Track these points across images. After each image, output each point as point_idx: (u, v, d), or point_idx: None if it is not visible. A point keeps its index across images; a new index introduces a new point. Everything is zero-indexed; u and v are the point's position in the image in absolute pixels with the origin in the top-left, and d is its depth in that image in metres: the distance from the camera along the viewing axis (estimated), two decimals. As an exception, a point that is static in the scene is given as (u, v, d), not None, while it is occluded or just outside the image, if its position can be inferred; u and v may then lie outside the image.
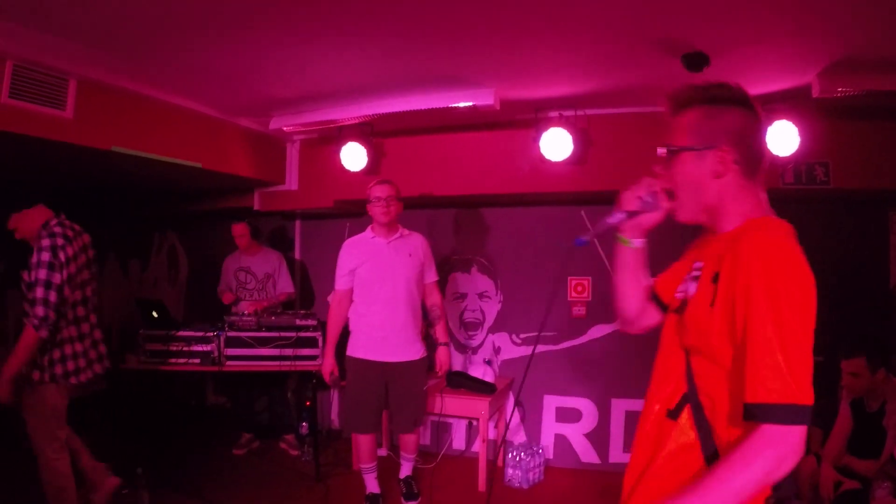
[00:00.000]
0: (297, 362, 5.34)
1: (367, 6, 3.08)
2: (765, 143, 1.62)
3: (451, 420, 6.08)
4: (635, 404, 5.52)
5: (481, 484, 5.17)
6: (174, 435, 6.32)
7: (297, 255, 6.96)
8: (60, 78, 3.79)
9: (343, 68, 4.05)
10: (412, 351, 4.66)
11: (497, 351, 6.09)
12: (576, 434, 5.79)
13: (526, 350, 5.98)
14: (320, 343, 5.35)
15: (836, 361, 3.94)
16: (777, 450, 1.32)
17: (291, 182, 6.12)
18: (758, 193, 1.60)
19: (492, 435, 5.68)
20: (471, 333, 6.20)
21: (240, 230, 6.05)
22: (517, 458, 5.30)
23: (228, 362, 5.35)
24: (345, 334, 4.78)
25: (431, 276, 4.88)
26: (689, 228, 1.74)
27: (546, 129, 4.73)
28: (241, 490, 5.06)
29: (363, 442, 4.71)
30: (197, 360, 5.33)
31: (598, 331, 5.73)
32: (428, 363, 4.84)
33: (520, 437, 5.92)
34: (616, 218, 1.75)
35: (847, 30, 3.23)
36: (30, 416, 3.78)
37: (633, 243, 1.84)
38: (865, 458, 3.81)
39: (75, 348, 3.88)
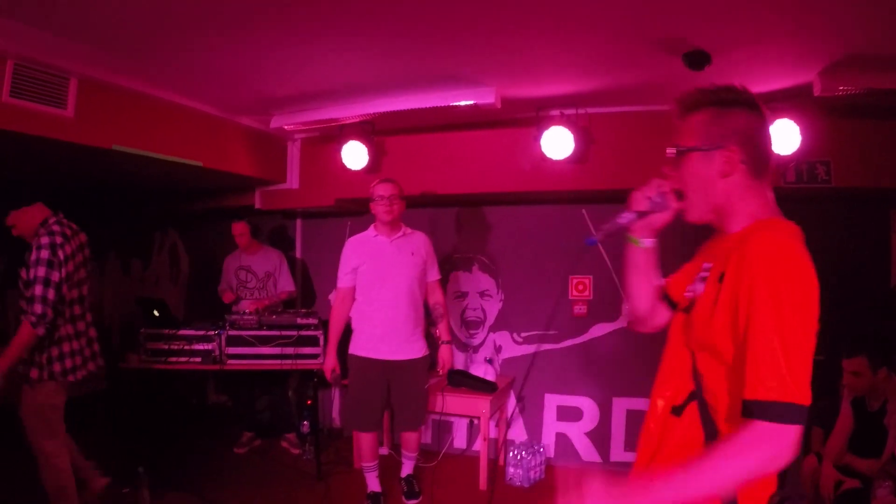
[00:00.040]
0: (299, 361, 5.34)
1: (367, 5, 3.08)
2: (771, 144, 1.64)
3: (452, 419, 6.09)
4: (636, 403, 5.53)
5: (482, 483, 5.18)
6: (175, 434, 6.32)
7: (297, 254, 6.97)
8: (61, 77, 3.79)
9: (344, 67, 4.05)
10: (414, 349, 4.66)
11: (498, 350, 6.09)
12: (577, 433, 5.79)
13: (527, 349, 5.98)
14: (321, 342, 5.35)
15: (838, 360, 3.95)
16: (771, 446, 1.33)
17: (292, 181, 6.12)
18: (765, 193, 1.62)
19: (493, 434, 5.69)
20: (472, 332, 6.20)
21: (239, 229, 6.05)
22: (518, 457, 5.30)
23: (229, 361, 5.36)
24: (347, 332, 4.78)
25: (434, 275, 4.88)
26: (701, 230, 1.76)
27: (547, 127, 4.72)
28: (242, 489, 5.06)
29: (365, 440, 4.72)
30: (198, 359, 5.34)
31: (600, 329, 5.72)
32: (430, 361, 4.84)
33: (521, 436, 5.92)
34: (626, 218, 1.77)
35: (848, 28, 3.22)
36: (29, 415, 3.79)
37: (643, 243, 1.85)
38: (866, 457, 3.81)
39: (72, 346, 3.91)
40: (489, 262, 6.15)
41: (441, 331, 4.86)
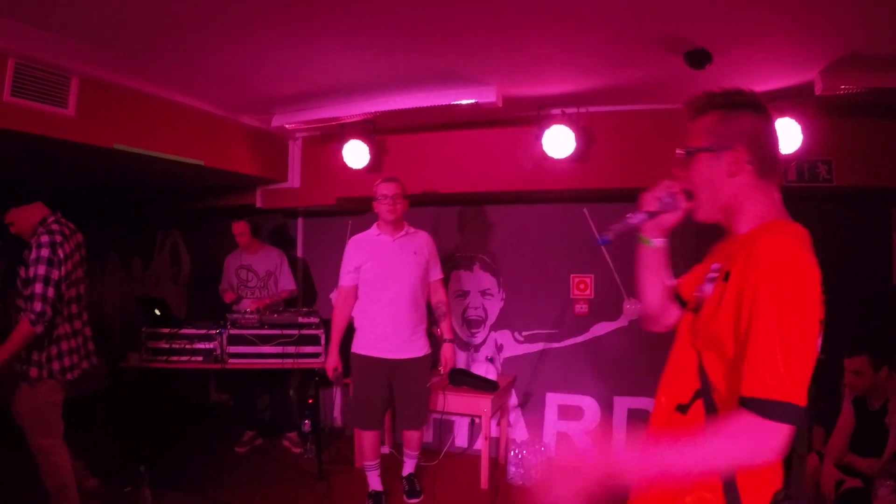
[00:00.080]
0: (300, 360, 5.33)
1: (369, 4, 3.08)
2: (778, 146, 1.69)
3: (453, 418, 6.09)
4: (638, 402, 5.53)
5: (483, 482, 5.17)
6: (176, 433, 6.33)
7: (299, 253, 6.97)
8: (62, 76, 3.79)
9: (345, 66, 4.05)
10: (416, 348, 4.67)
11: (499, 349, 6.09)
12: (578, 432, 5.78)
13: (528, 347, 5.98)
14: (322, 341, 5.35)
15: (839, 359, 3.95)
16: (757, 439, 1.35)
17: (294, 179, 6.12)
18: (772, 194, 1.67)
19: (494, 433, 5.69)
20: (473, 331, 6.20)
21: (239, 228, 6.04)
22: (519, 456, 5.29)
23: (231, 360, 5.35)
24: (349, 331, 4.78)
25: (437, 274, 4.88)
26: (715, 232, 1.78)
27: (548, 126, 4.72)
28: (243, 488, 5.06)
29: (367, 439, 4.72)
30: (199, 358, 5.34)
31: (601, 328, 5.72)
32: (432, 360, 4.84)
33: (522, 435, 5.92)
34: (637, 218, 1.81)
35: (849, 28, 3.22)
36: (28, 414, 3.79)
37: (653, 243, 1.90)
38: (868, 456, 3.80)
39: (70, 344, 3.92)
40: (490, 260, 6.15)
41: (444, 329, 4.85)
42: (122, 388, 6.53)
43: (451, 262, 6.17)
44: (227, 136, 5.26)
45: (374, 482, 4.77)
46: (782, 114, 4.14)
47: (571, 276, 5.78)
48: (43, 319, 3.64)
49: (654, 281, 1.95)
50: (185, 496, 4.81)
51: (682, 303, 1.91)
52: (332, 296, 6.41)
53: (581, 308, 5.77)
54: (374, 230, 4.70)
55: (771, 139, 1.67)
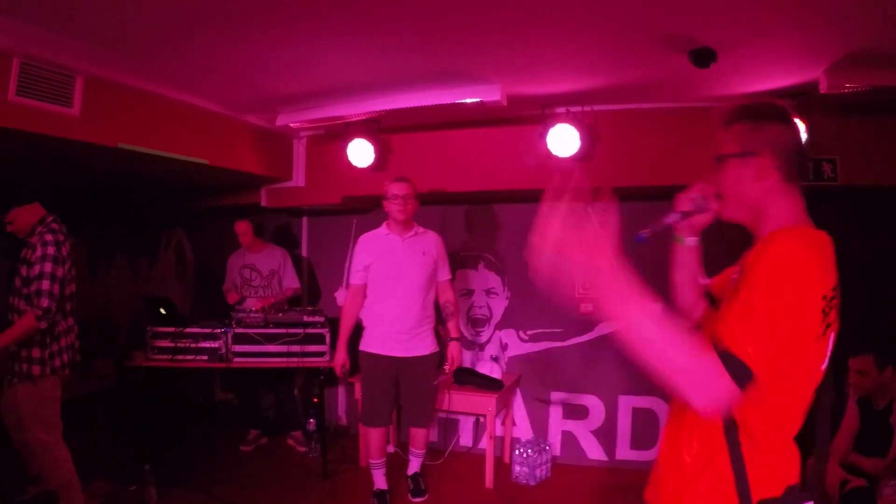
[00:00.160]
0: (305, 359, 5.35)
1: (372, 3, 3.08)
2: (803, 153, 1.80)
3: (458, 416, 6.09)
4: (642, 401, 5.54)
5: (488, 481, 5.18)
6: (181, 432, 6.35)
7: (303, 252, 6.97)
8: (67, 75, 3.79)
9: (349, 65, 4.05)
10: (424, 346, 4.69)
11: (504, 347, 6.09)
12: (583, 431, 5.79)
13: (533, 346, 5.98)
14: (328, 339, 5.37)
15: (844, 359, 3.94)
16: (708, 381, 1.41)
17: (298, 178, 6.12)
18: (796, 198, 1.75)
19: (499, 431, 5.69)
20: (478, 330, 6.20)
21: (242, 228, 6.05)
22: (524, 455, 5.30)
23: (236, 359, 5.38)
24: (358, 329, 4.81)
25: (445, 274, 4.88)
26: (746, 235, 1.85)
27: (553, 125, 4.72)
28: (248, 486, 5.08)
29: (373, 437, 4.73)
30: (204, 357, 5.36)
31: (606, 327, 5.71)
32: (439, 359, 4.85)
33: (527, 434, 5.92)
34: (671, 218, 1.92)
35: (854, 26, 3.21)
36: (28, 413, 3.79)
37: (687, 241, 2.04)
38: (872, 456, 3.80)
39: (68, 340, 3.99)
40: (495, 259, 6.15)
41: (451, 328, 4.86)
42: (128, 387, 6.54)
43: (456, 260, 6.16)
44: (231, 135, 5.26)
45: (380, 480, 4.78)
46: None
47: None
48: (48, 316, 3.69)
49: (686, 278, 2.08)
50: (190, 495, 4.83)
51: (713, 301, 2.00)
52: (337, 294, 6.41)
53: (586, 307, 5.75)
54: (383, 229, 4.70)
55: (797, 146, 1.76)
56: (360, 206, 6.20)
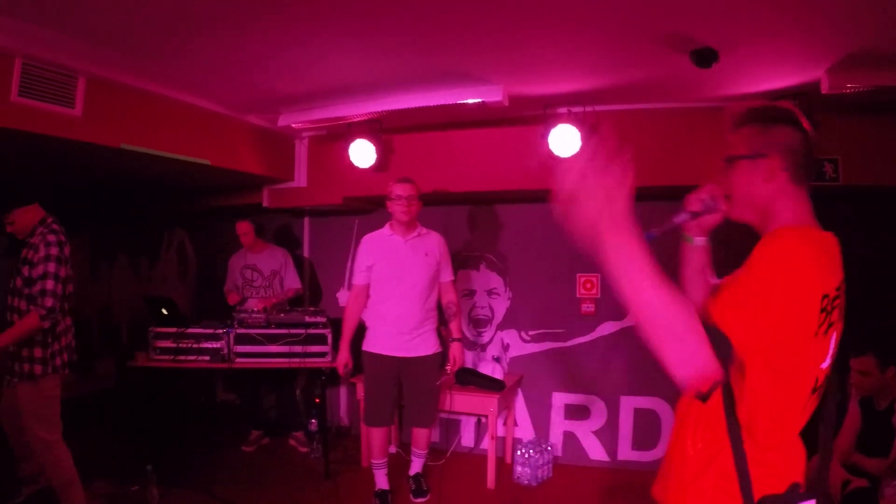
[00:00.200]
0: (307, 359, 5.35)
1: (374, 4, 3.08)
2: (811, 155, 1.81)
3: (460, 417, 6.09)
4: (644, 402, 5.53)
5: (490, 481, 5.18)
6: (183, 432, 6.34)
7: (305, 253, 6.97)
8: (69, 76, 3.80)
9: (351, 65, 4.05)
10: (426, 346, 4.69)
11: (506, 348, 6.09)
12: (584, 431, 5.79)
13: (535, 347, 5.98)
14: (329, 340, 5.37)
15: (845, 359, 3.93)
16: (690, 348, 1.41)
17: (300, 179, 6.13)
18: (804, 200, 1.79)
19: (500, 432, 5.69)
20: (480, 330, 6.20)
21: (243, 228, 6.05)
22: (526, 456, 5.29)
23: (238, 359, 5.37)
24: (361, 330, 4.81)
25: (447, 276, 4.87)
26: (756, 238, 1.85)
27: (555, 125, 4.71)
28: (250, 487, 5.07)
29: (376, 437, 4.74)
30: (206, 358, 5.36)
31: (607, 328, 5.71)
32: (442, 359, 4.85)
33: (528, 435, 5.92)
34: (681, 217, 1.95)
35: (855, 26, 3.21)
36: (30, 413, 3.81)
37: (696, 241, 2.06)
38: (874, 456, 3.79)
39: (67, 339, 4.03)
40: (497, 260, 6.15)
41: (453, 329, 4.85)
42: (130, 387, 6.55)
43: (458, 261, 6.15)
44: (233, 135, 5.27)
45: (381, 481, 4.78)
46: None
47: (578, 275, 5.77)
48: (52, 315, 3.73)
49: (696, 277, 2.10)
50: (191, 495, 4.83)
51: None
52: (339, 295, 6.41)
53: (587, 307, 5.77)
54: (386, 230, 4.71)
55: (805, 149, 1.78)
56: (362, 206, 6.20)
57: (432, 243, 4.73)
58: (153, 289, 8.05)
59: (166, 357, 5.37)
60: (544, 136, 4.75)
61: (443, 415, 5.53)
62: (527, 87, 4.43)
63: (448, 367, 4.84)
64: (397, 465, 5.25)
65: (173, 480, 4.86)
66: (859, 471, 3.80)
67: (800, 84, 4.06)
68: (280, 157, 5.93)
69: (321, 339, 5.40)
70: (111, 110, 4.13)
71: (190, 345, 5.35)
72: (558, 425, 5.89)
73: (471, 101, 4.43)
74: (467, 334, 6.15)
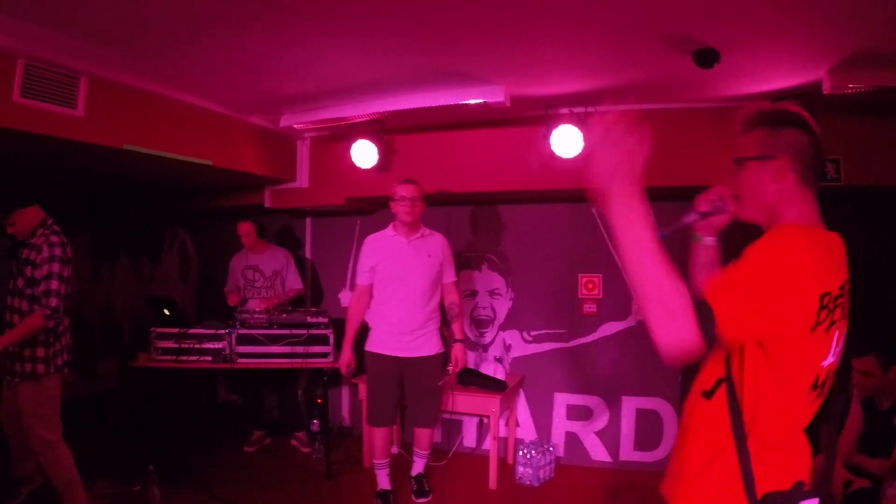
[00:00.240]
0: (309, 360, 5.35)
1: (375, 4, 3.08)
2: (819, 157, 1.84)
3: (462, 417, 6.09)
4: (646, 402, 5.53)
5: (492, 482, 5.18)
6: (185, 432, 6.34)
7: (307, 254, 6.97)
8: (71, 77, 3.80)
9: (353, 66, 4.05)
10: (428, 346, 4.70)
11: (508, 348, 6.09)
12: (586, 432, 5.79)
13: (536, 347, 5.98)
14: (331, 340, 5.38)
15: (847, 359, 3.93)
16: (678, 318, 1.48)
17: (302, 179, 6.13)
18: (810, 201, 1.82)
19: (502, 432, 5.69)
20: (482, 331, 6.20)
21: (245, 229, 6.05)
22: (528, 456, 5.29)
23: (240, 360, 5.37)
24: (364, 330, 4.82)
25: (450, 277, 4.88)
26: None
27: (556, 125, 4.71)
28: (252, 487, 5.08)
29: (378, 437, 4.75)
30: (208, 358, 5.36)
31: (609, 328, 5.72)
32: (444, 359, 4.85)
33: (530, 435, 5.92)
34: (691, 217, 1.99)
35: (857, 26, 3.21)
36: (30, 413, 3.82)
37: (705, 241, 2.09)
38: (876, 456, 3.78)
39: (67, 339, 4.07)
40: (499, 260, 6.15)
41: (455, 330, 4.86)
42: (131, 387, 6.55)
43: (460, 261, 6.14)
44: (235, 136, 5.27)
45: (383, 481, 4.78)
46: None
47: (580, 275, 5.77)
48: (56, 315, 3.76)
49: (704, 276, 2.09)
50: (193, 495, 4.83)
51: None
52: (341, 296, 6.42)
53: (589, 308, 5.77)
54: (389, 230, 4.71)
55: (813, 151, 1.80)
56: (364, 207, 6.21)
57: (435, 244, 4.74)
58: (155, 289, 8.06)
59: (168, 357, 5.37)
60: (546, 136, 4.76)
61: (445, 415, 5.53)
62: (528, 87, 4.43)
63: (450, 368, 4.84)
64: (399, 466, 5.26)
65: (175, 481, 4.87)
66: (861, 471, 3.79)
67: (801, 84, 4.06)
68: (282, 157, 5.93)
69: (323, 340, 5.40)
70: (113, 111, 4.13)
71: (192, 345, 5.35)
72: (560, 426, 5.88)
73: (473, 101, 4.43)
74: (469, 335, 6.15)
